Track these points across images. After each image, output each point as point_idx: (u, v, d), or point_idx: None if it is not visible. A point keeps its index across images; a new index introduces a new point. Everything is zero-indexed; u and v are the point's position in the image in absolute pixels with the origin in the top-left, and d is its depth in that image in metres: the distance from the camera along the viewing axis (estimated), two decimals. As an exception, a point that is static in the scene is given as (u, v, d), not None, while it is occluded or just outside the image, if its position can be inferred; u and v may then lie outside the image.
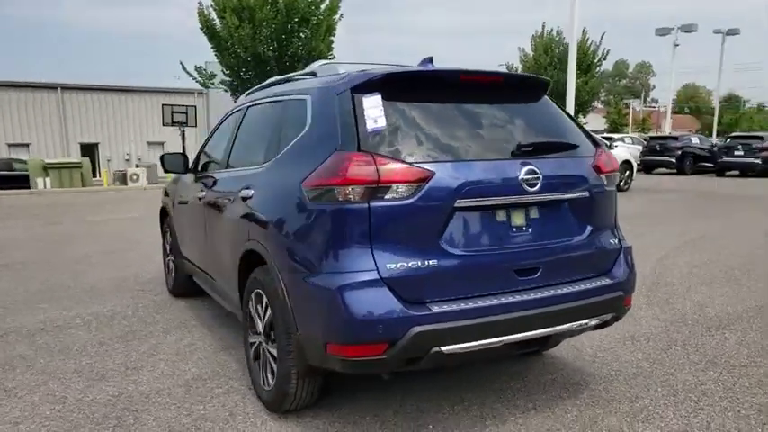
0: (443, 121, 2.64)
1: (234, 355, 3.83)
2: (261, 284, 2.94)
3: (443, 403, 3.07)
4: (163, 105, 22.93)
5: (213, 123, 28.90)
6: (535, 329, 2.59)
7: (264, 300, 2.92)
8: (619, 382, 3.33)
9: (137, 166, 25.50)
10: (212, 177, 4.01)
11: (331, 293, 2.37)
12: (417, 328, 2.34)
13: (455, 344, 2.42)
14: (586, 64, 30.54)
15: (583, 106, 31.09)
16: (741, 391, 3.21)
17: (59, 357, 3.84)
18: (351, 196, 2.39)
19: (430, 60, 3.13)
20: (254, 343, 3.15)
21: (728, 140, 23.38)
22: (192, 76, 23.63)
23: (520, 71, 31.27)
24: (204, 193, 4.01)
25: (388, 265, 2.38)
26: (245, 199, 3.19)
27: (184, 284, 5.13)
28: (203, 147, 4.66)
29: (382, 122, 2.51)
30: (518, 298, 2.55)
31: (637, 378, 3.38)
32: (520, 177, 2.58)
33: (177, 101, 26.59)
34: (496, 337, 2.49)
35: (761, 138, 22.36)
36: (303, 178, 2.61)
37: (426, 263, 2.43)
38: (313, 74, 3.25)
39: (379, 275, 2.37)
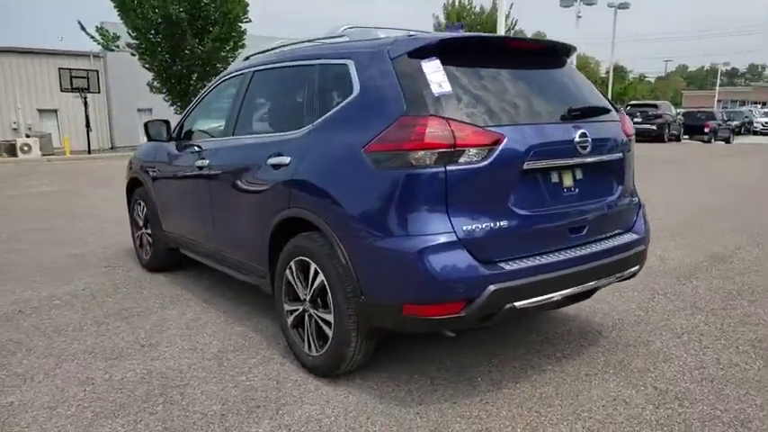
0: (496, 86, 2.72)
1: (249, 325, 3.78)
2: (308, 251, 2.92)
3: (480, 358, 3.23)
4: (60, 69, 21.22)
5: (115, 89, 27.26)
6: (588, 282, 2.78)
7: (312, 267, 2.91)
8: (626, 329, 3.63)
9: (27, 136, 23.37)
10: (214, 146, 3.86)
11: (411, 256, 2.42)
12: (493, 287, 2.45)
13: (525, 299, 2.56)
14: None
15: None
16: (731, 330, 3.60)
17: (60, 339, 3.62)
18: (427, 160, 2.43)
19: (461, 26, 3.17)
20: (294, 311, 3.13)
21: (628, 108, 25.11)
22: (92, 37, 22.01)
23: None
24: (206, 161, 3.86)
25: (464, 227, 2.46)
26: (277, 166, 3.13)
27: (163, 259, 4.93)
28: (187, 114, 4.45)
29: (447, 87, 2.56)
30: (573, 254, 2.72)
31: (640, 325, 3.69)
32: (575, 140, 2.73)
33: (72, 64, 24.53)
34: (559, 291, 2.66)
35: (656, 106, 24.24)
36: (364, 143, 2.61)
37: (497, 224, 2.53)
38: (343, 37, 3.20)
39: (457, 237, 2.44)
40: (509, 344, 3.41)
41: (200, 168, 3.90)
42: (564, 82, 3.05)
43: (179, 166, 4.33)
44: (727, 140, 26.88)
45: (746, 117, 36.51)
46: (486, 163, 2.48)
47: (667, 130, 23.86)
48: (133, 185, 5.23)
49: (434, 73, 2.60)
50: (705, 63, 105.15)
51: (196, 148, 4.12)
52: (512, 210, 2.57)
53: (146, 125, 4.49)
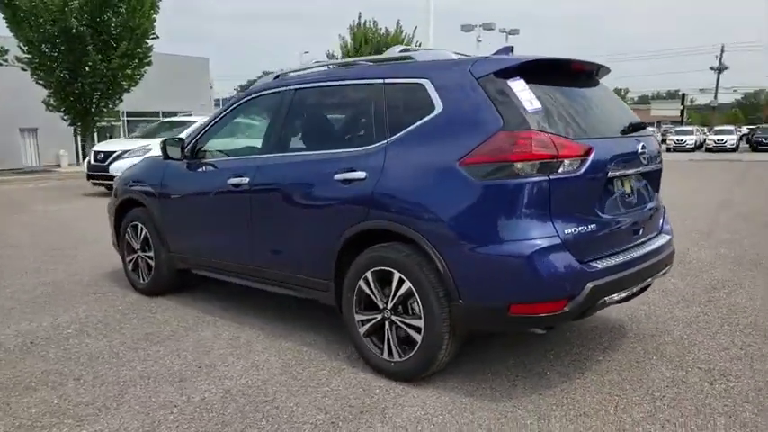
0: (567, 103, 3.04)
1: (295, 340, 3.81)
2: (391, 261, 3.06)
3: (536, 355, 3.50)
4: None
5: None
6: (648, 278, 3.15)
7: (396, 275, 3.05)
8: (642, 322, 4.06)
9: None
10: (254, 163, 3.87)
11: (522, 260, 2.66)
12: (591, 284, 2.74)
13: (613, 294, 2.87)
14: (401, 54, 32.39)
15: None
16: (727, 317, 4.14)
17: (103, 366, 3.47)
18: (532, 171, 2.69)
19: (511, 49, 3.48)
20: (368, 320, 3.24)
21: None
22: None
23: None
24: (244, 179, 3.86)
25: (564, 231, 2.74)
26: (348, 181, 3.24)
27: (166, 282, 4.79)
28: (202, 132, 4.40)
29: (537, 104, 2.84)
30: (637, 253, 3.08)
31: (651, 318, 4.14)
32: (638, 152, 3.10)
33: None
34: (634, 286, 3.01)
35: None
36: (460, 157, 2.82)
37: (588, 227, 2.83)
38: (410, 58, 3.40)
39: (560, 240, 2.71)
40: (552, 341, 3.71)
41: (237, 186, 3.89)
42: (607, 98, 3.43)
43: (200, 184, 4.27)
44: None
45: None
46: (580, 172, 2.78)
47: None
48: (125, 207, 5.03)
49: (523, 91, 2.87)
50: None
51: (226, 165, 4.10)
52: (597, 214, 2.89)
53: (163, 144, 4.39)
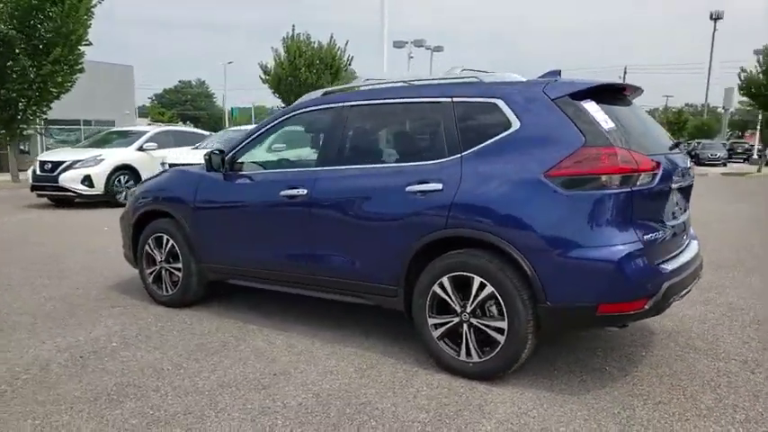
0: (626, 122, 3.37)
1: (355, 345, 3.92)
2: (471, 266, 3.28)
3: (586, 354, 3.80)
4: None
5: None
6: (695, 279, 3.53)
7: (477, 280, 3.26)
8: (660, 321, 4.44)
9: None
10: (311, 176, 3.97)
11: (612, 263, 2.95)
12: (666, 283, 3.07)
13: (678, 293, 3.22)
14: (336, 68, 32.65)
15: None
16: (729, 314, 4.61)
17: (173, 377, 3.46)
18: (617, 182, 3.00)
19: (558, 73, 3.79)
20: (443, 323, 3.43)
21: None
22: None
23: (273, 71, 31.98)
24: (300, 190, 3.95)
25: (644, 237, 3.06)
26: (424, 192, 3.43)
27: (194, 293, 4.77)
28: (245, 145, 4.45)
29: (611, 123, 3.16)
30: (686, 257, 3.45)
31: (666, 317, 4.54)
32: (685, 167, 3.48)
33: None
34: (689, 286, 3.37)
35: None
36: (546, 169, 3.09)
37: (658, 233, 3.17)
38: (479, 79, 3.63)
39: (642, 245, 3.03)
40: (595, 340, 4.02)
41: (293, 197, 3.97)
42: (646, 117, 3.81)
43: (246, 195, 4.31)
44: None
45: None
46: (653, 184, 3.12)
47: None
48: (145, 219, 4.95)
49: (597, 112, 3.18)
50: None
51: (276, 177, 4.18)
52: (663, 222, 3.24)
53: (208, 156, 4.40)
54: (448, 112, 3.54)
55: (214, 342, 4.04)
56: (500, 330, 3.24)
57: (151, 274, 4.97)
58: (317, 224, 3.92)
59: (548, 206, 3.09)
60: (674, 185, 3.38)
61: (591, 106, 3.20)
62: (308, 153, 4.73)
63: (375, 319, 4.37)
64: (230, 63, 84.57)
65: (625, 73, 64.49)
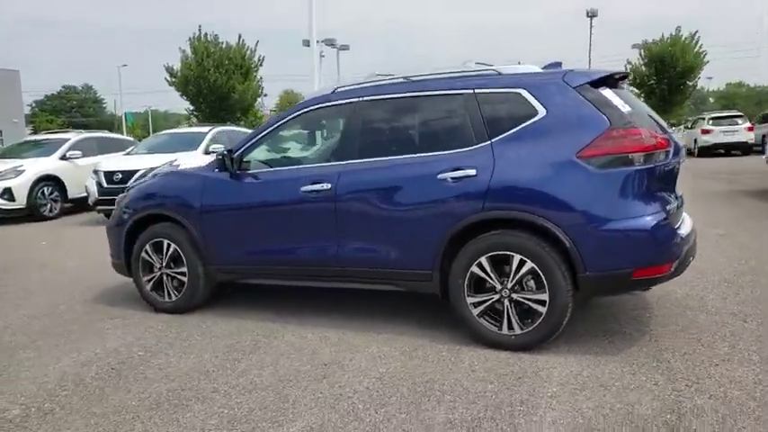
0: (632, 105, 3.72)
1: (388, 331, 4.03)
2: (512, 245, 3.52)
3: (622, 322, 4.16)
4: None
5: None
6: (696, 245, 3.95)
7: (517, 257, 3.51)
8: (682, 300, 4.84)
9: None
10: (333, 170, 4.04)
11: (646, 231, 3.30)
12: (686, 246, 3.46)
13: (692, 256, 3.62)
14: (246, 68, 31.99)
15: (248, 108, 32.52)
16: (738, 298, 5.15)
17: (226, 377, 3.45)
18: (643, 160, 3.34)
19: (559, 64, 4.11)
20: (482, 301, 3.65)
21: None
22: None
23: (180, 73, 30.89)
24: (325, 185, 4.01)
25: (666, 207, 3.43)
26: (458, 179, 3.63)
27: (201, 297, 4.70)
28: (252, 144, 4.44)
29: (628, 107, 3.51)
30: (689, 224, 3.87)
31: (687, 299, 4.96)
32: (681, 145, 3.89)
33: None
34: (695, 250, 3.78)
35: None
36: (577, 150, 3.38)
37: (672, 204, 3.55)
38: (497, 71, 3.86)
39: (666, 214, 3.39)
40: (597, 308, 4.38)
41: (317, 192, 4.03)
42: (639, 101, 4.19)
43: (262, 194, 4.31)
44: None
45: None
46: (668, 159, 3.49)
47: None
48: (141, 225, 4.81)
49: (614, 97, 3.52)
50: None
51: (294, 174, 4.22)
52: (675, 194, 3.62)
53: (222, 156, 4.35)
54: (471, 103, 3.75)
55: (244, 342, 4.03)
56: (542, 302, 3.50)
57: (150, 281, 4.82)
58: (344, 217, 4.00)
59: (582, 184, 3.38)
60: (679, 162, 3.78)
61: (608, 92, 3.53)
62: (322, 149, 4.78)
63: (390, 306, 4.52)
64: (125, 66, 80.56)
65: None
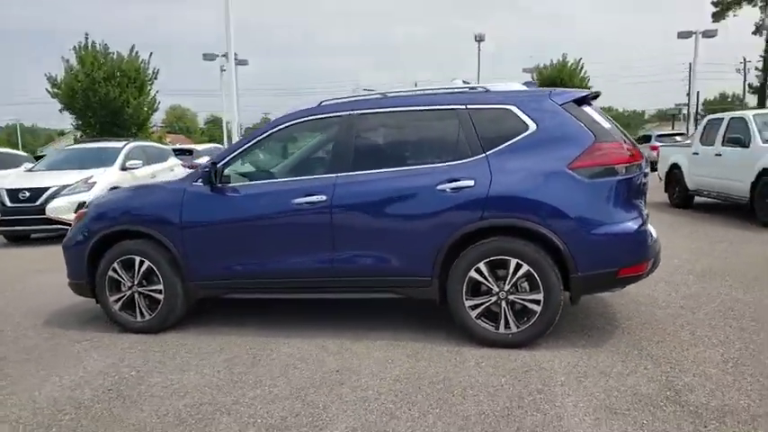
0: (607, 122, 4.14)
1: (384, 338, 4.16)
2: (508, 250, 3.79)
3: (575, 317, 4.55)
4: None
5: None
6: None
7: (513, 261, 3.79)
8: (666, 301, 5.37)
9: None
10: (326, 182, 4.12)
11: (631, 235, 3.71)
12: (657, 247, 3.91)
13: (659, 257, 4.07)
14: (140, 82, 30.50)
15: (143, 123, 30.93)
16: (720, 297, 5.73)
17: (240, 391, 3.43)
18: (626, 171, 3.75)
19: (534, 83, 4.49)
20: (479, 304, 3.88)
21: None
22: None
23: (65, 84, 28.92)
24: (320, 196, 4.08)
25: (642, 212, 3.86)
26: (457, 189, 3.86)
27: (179, 314, 4.56)
28: (234, 157, 4.43)
29: (607, 122, 3.93)
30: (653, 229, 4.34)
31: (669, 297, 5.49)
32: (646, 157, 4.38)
33: None
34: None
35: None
36: (568, 163, 3.73)
37: (645, 210, 3.98)
38: (485, 88, 4.16)
39: (642, 219, 3.82)
40: (589, 313, 4.76)
41: (312, 204, 4.09)
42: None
43: (248, 207, 4.28)
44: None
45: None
46: (641, 171, 3.93)
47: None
48: (106, 242, 4.59)
49: (595, 114, 3.94)
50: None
51: (283, 187, 4.26)
52: (644, 201, 4.07)
53: (208, 169, 4.27)
54: (464, 118, 4.01)
55: (241, 356, 3.98)
56: (536, 302, 3.79)
57: (118, 300, 4.61)
58: (340, 228, 4.08)
59: (574, 193, 3.73)
60: (646, 171, 4.25)
61: (590, 110, 3.95)
62: (307, 162, 4.83)
63: (377, 314, 4.65)
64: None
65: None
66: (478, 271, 3.86)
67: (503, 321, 3.87)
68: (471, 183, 3.85)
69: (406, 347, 3.98)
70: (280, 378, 3.57)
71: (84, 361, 4.01)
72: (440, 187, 3.89)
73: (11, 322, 5.05)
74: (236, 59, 40.60)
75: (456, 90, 4.29)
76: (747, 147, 9.30)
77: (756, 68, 45.72)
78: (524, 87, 4.24)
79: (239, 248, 4.33)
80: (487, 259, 3.84)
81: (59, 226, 9.55)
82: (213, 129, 77.16)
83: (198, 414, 3.12)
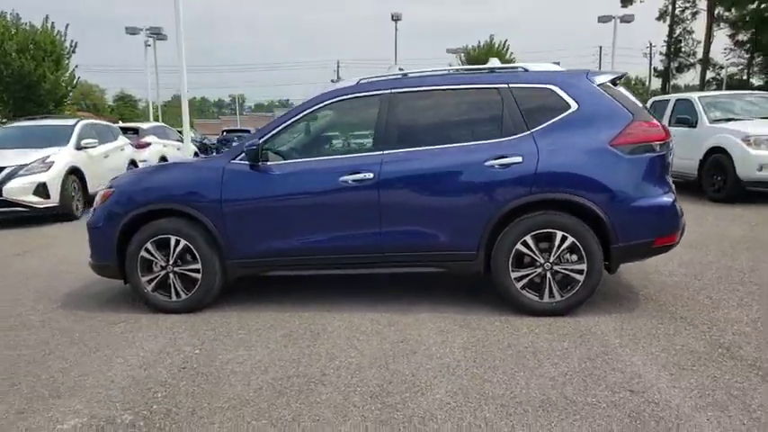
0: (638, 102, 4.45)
1: (427, 310, 4.34)
2: (556, 224, 4.05)
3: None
4: None
5: None
6: None
7: (559, 234, 4.05)
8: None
9: None
10: (375, 159, 4.22)
11: (668, 207, 4.05)
12: (684, 220, 4.28)
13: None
14: (57, 55, 28.60)
15: (62, 100, 29.08)
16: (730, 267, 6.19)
17: (325, 362, 3.53)
18: (659, 147, 4.08)
19: (558, 63, 4.75)
20: (525, 275, 4.13)
21: (224, 134, 27.16)
22: None
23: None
24: (366, 174, 4.17)
25: (672, 187, 4.21)
26: (506, 165, 4.07)
27: (215, 293, 4.54)
28: (272, 137, 4.44)
29: (639, 102, 4.25)
30: None
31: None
32: None
33: None
34: None
35: (249, 131, 27.37)
36: (610, 140, 4.02)
37: (673, 185, 4.35)
38: (523, 68, 4.37)
39: (673, 193, 4.18)
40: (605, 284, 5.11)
41: (359, 181, 4.19)
42: None
43: (292, 185, 4.32)
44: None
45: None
46: (670, 149, 4.27)
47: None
48: (138, 222, 4.49)
49: (629, 94, 4.25)
50: (206, 94, 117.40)
51: (327, 165, 4.32)
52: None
53: (254, 147, 4.24)
54: (507, 96, 4.21)
55: (297, 331, 4.04)
56: (580, 271, 4.08)
57: (151, 281, 4.52)
58: (387, 204, 4.20)
59: (616, 168, 4.02)
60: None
61: (624, 90, 4.25)
62: (345, 140, 4.89)
63: (405, 289, 4.82)
64: None
65: (338, 66, 69.94)
66: (525, 244, 4.10)
67: (547, 291, 4.13)
68: (519, 159, 4.06)
69: (454, 319, 4.17)
70: (350, 350, 3.68)
71: (136, 342, 3.95)
72: (488, 163, 4.08)
73: (27, 307, 4.84)
74: (156, 35, 38.84)
75: (495, 69, 4.48)
76: (695, 127, 10.11)
77: (660, 53, 49.28)
78: (557, 68, 4.48)
79: (283, 226, 4.36)
80: (534, 233, 4.08)
81: (17, 208, 9.02)
82: (123, 107, 73.21)
83: (292, 386, 3.19)
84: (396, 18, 40.65)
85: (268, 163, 4.39)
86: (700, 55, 44.21)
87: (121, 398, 3.12)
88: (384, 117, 4.34)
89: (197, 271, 4.46)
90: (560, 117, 4.13)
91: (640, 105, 4.23)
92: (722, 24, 43.70)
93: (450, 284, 4.90)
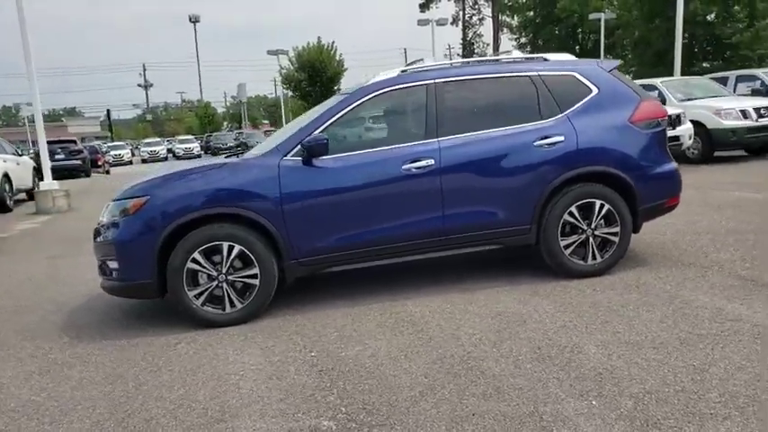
0: None
1: (483, 287, 4.62)
2: (596, 194, 4.56)
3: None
4: None
5: None
6: None
7: (597, 203, 4.58)
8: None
9: None
10: (429, 147, 4.38)
11: (676, 172, 4.78)
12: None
13: None
14: None
15: None
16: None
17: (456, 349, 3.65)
18: (663, 123, 4.81)
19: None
20: (574, 242, 4.61)
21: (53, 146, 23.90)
22: None
23: None
24: (428, 161, 4.32)
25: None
26: (552, 144, 4.50)
27: (271, 297, 4.36)
28: (324, 130, 4.37)
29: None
30: None
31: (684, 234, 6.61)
32: None
33: None
34: None
35: (74, 141, 24.52)
36: (628, 118, 4.65)
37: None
38: (544, 58, 4.82)
39: (674, 160, 4.94)
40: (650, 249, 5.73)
41: (422, 168, 4.32)
42: None
43: (355, 178, 4.31)
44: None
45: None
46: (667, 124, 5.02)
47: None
48: (184, 230, 4.14)
49: (630, 78, 4.92)
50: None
51: (386, 155, 4.38)
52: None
53: (309, 143, 4.13)
54: (539, 83, 4.64)
55: (389, 321, 4.05)
56: (615, 234, 4.65)
57: (200, 295, 4.19)
58: (449, 189, 4.39)
59: (637, 142, 4.66)
60: None
61: (624, 76, 4.90)
62: (398, 129, 4.93)
63: (436, 271, 5.04)
64: None
65: (145, 70, 66.05)
66: (571, 214, 4.56)
67: (590, 254, 4.64)
68: (562, 138, 4.51)
69: (522, 290, 4.49)
70: (459, 330, 3.80)
71: (227, 356, 3.67)
72: (536, 144, 4.47)
73: (59, 327, 4.19)
74: None
75: (519, 59, 4.90)
76: (664, 104, 11.73)
77: (458, 54, 54.51)
78: (572, 58, 5.00)
79: (347, 219, 4.32)
80: (578, 203, 4.55)
81: None
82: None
83: (453, 366, 3.27)
84: (194, 20, 39.03)
85: (325, 157, 4.29)
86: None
87: (294, 408, 2.95)
88: (433, 105, 4.50)
89: (254, 276, 4.22)
90: (586, 100, 4.65)
91: (641, 88, 4.92)
92: (505, 30, 50.05)
93: (479, 262, 5.17)
